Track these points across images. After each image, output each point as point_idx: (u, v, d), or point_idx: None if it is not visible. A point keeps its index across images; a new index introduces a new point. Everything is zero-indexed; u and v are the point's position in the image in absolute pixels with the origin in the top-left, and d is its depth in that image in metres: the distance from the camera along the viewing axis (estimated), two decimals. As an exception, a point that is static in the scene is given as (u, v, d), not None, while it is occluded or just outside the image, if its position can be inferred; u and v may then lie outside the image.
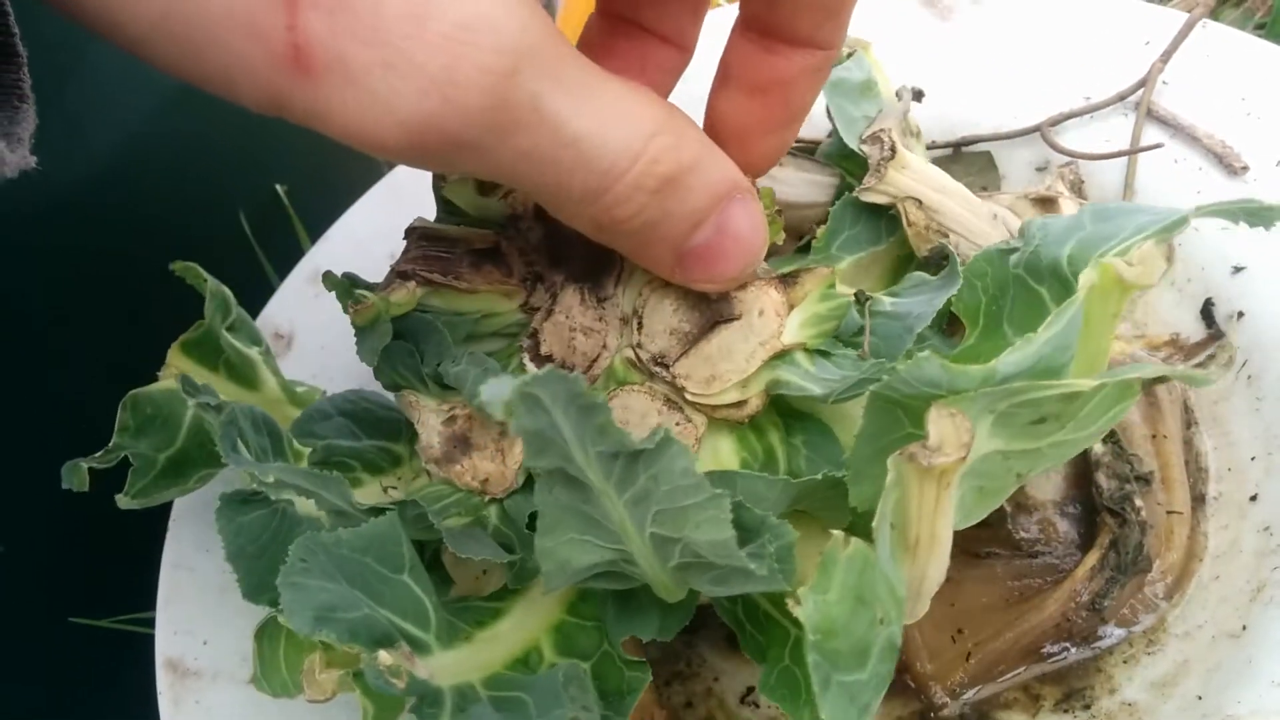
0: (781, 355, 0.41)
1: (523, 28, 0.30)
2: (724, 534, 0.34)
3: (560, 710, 0.37)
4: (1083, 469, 0.53)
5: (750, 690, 0.51)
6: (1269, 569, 0.48)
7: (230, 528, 0.43)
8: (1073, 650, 0.50)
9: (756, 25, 0.41)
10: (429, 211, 0.50)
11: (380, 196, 0.68)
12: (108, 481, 0.62)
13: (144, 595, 0.55)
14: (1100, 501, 0.51)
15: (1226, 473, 0.53)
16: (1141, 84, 0.62)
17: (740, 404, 0.41)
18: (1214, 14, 0.69)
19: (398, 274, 0.43)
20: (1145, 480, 0.52)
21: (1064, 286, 0.39)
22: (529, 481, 0.43)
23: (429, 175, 0.48)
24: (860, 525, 0.39)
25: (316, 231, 0.69)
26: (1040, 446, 0.36)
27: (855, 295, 0.42)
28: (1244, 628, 0.48)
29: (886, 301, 0.42)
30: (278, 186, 0.75)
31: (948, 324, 0.44)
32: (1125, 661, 0.49)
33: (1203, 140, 0.59)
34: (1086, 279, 0.35)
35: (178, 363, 0.51)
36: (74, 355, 0.65)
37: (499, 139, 0.31)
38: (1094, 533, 0.52)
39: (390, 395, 0.48)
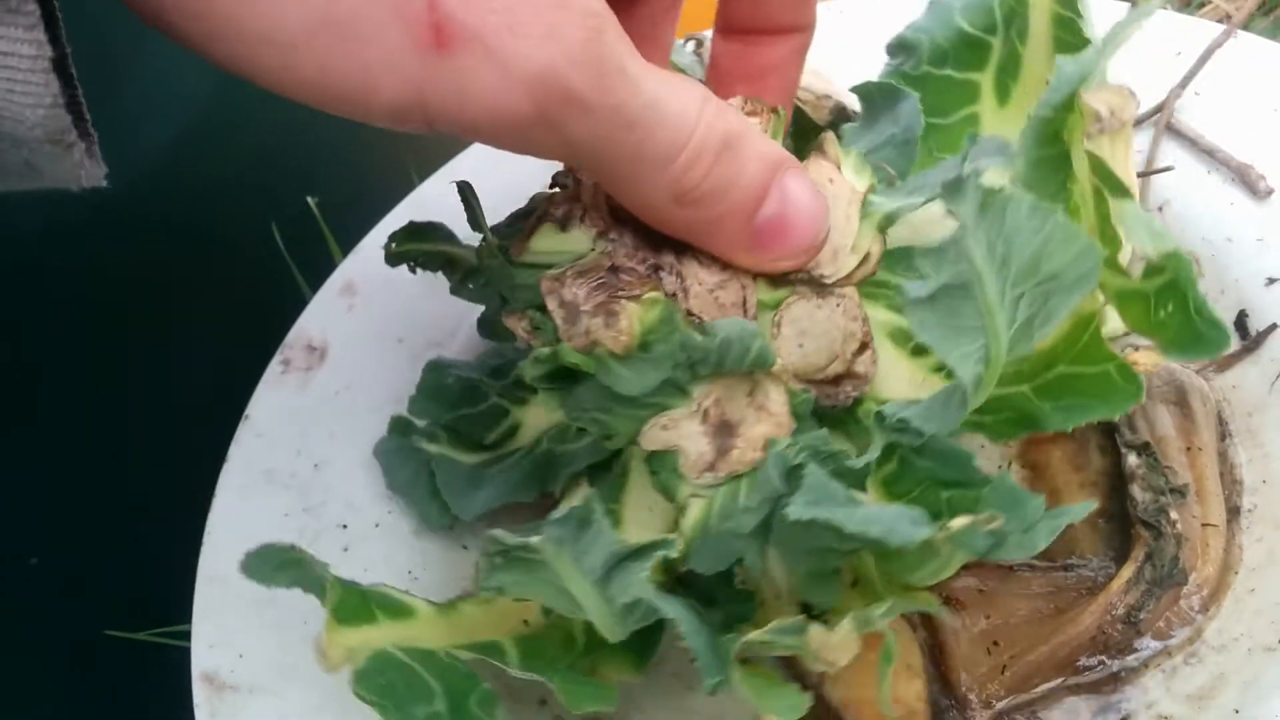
0: (865, 202, 0.44)
1: (601, 10, 0.34)
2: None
3: None
4: (1117, 482, 0.53)
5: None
6: (1305, 582, 0.48)
7: None
8: (1108, 663, 0.50)
9: (739, 26, 0.46)
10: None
11: (407, 211, 0.68)
12: (144, 491, 0.62)
13: (181, 608, 0.55)
14: (1135, 514, 0.51)
15: (1261, 485, 0.53)
16: (1159, 108, 0.62)
17: (866, 259, 0.44)
18: (1244, 23, 0.69)
19: (606, 311, 0.42)
20: (1180, 493, 0.52)
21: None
22: None
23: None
24: None
25: (348, 244, 0.69)
26: None
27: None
28: (1280, 641, 0.47)
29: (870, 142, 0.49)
30: (309, 199, 0.75)
31: None
32: (1162, 674, 0.49)
33: (1227, 158, 0.59)
34: None
35: None
36: (107, 366, 0.66)
37: (598, 94, 0.34)
38: (1128, 546, 0.51)
39: None
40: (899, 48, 0.52)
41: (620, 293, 0.42)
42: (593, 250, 0.44)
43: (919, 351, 0.47)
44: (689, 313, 0.43)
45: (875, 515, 0.37)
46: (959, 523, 0.36)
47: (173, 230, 0.68)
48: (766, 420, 0.43)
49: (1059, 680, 0.50)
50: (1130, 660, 0.50)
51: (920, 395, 0.46)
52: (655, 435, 0.43)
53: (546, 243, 0.44)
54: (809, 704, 0.41)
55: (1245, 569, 0.51)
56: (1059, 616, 0.50)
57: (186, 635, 0.54)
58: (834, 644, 0.39)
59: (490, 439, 0.54)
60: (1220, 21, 0.70)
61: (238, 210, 0.72)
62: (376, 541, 0.57)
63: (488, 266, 0.46)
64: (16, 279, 0.61)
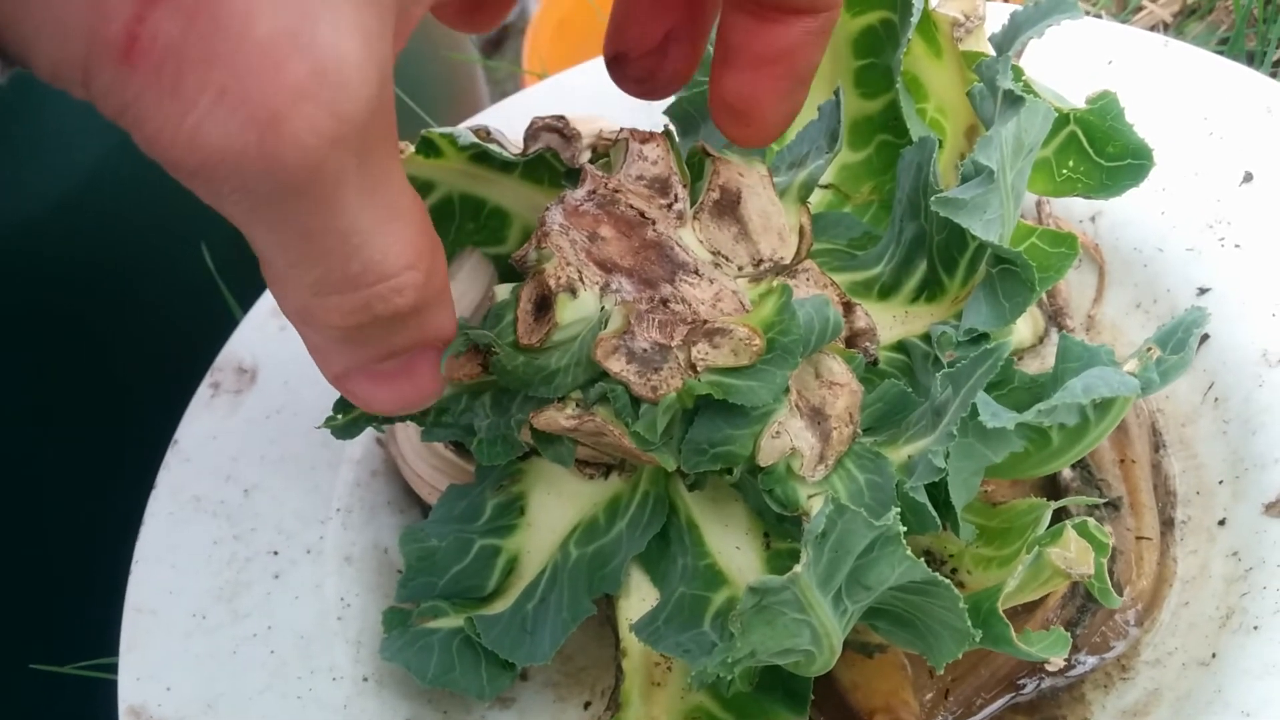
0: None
1: (368, 98, 0.29)
2: None
3: None
4: (1051, 495, 0.53)
5: None
6: (1238, 595, 0.48)
7: None
8: (1046, 680, 0.50)
9: None
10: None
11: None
12: (70, 520, 0.61)
13: (107, 639, 0.54)
14: (1069, 528, 0.51)
15: (1195, 496, 0.52)
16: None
17: (803, 232, 0.46)
18: (1178, 27, 0.69)
19: (707, 334, 0.42)
20: (1114, 506, 0.52)
21: None
22: None
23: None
24: None
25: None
26: None
27: None
28: (1213, 655, 0.47)
29: None
30: None
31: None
32: (1100, 688, 0.49)
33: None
34: None
35: None
36: (31, 390, 0.64)
37: (285, 199, 0.29)
38: (1063, 560, 0.51)
39: None
40: None
41: (693, 318, 0.42)
42: (602, 307, 0.43)
43: (885, 293, 0.49)
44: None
45: (1071, 389, 0.39)
46: (1132, 364, 0.41)
47: (100, 251, 0.67)
48: (841, 392, 0.44)
49: (1001, 700, 0.50)
50: (1068, 676, 0.50)
51: (909, 331, 0.48)
52: (771, 447, 0.42)
53: (570, 313, 0.42)
54: (1067, 644, 0.42)
55: (1179, 582, 0.51)
56: (996, 635, 0.50)
57: (113, 668, 0.53)
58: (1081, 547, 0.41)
59: (490, 587, 0.50)
60: (1154, 29, 0.70)
61: (168, 230, 0.70)
62: (308, 568, 0.56)
63: (511, 370, 0.43)
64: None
